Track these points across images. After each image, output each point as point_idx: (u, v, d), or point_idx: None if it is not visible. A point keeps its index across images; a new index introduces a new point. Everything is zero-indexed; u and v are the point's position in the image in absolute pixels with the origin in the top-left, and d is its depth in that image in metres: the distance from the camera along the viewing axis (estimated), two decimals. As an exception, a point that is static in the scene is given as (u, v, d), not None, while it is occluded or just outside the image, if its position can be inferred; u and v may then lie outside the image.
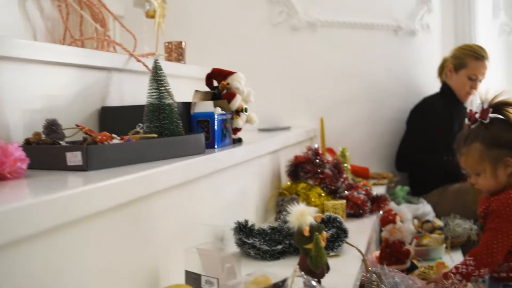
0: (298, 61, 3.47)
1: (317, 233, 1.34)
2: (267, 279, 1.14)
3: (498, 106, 1.97)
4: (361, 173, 3.33)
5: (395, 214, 2.26)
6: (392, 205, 3.19)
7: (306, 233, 1.33)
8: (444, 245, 2.83)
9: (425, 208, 3.36)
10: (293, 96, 3.43)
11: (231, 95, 1.97)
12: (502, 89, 2.03)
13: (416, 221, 3.22)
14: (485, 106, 1.96)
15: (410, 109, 3.76)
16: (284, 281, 1.16)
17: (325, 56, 3.54)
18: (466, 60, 3.55)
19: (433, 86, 3.81)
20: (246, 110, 2.04)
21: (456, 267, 1.95)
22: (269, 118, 3.19)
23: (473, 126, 2.01)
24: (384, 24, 3.75)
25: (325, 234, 1.38)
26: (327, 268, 1.42)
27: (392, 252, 2.22)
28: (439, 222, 3.15)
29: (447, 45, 4.06)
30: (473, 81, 3.55)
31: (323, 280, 1.42)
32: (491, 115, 1.97)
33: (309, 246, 1.34)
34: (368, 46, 3.73)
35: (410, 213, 3.21)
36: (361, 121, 3.69)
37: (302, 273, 1.27)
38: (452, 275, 1.91)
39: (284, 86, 3.42)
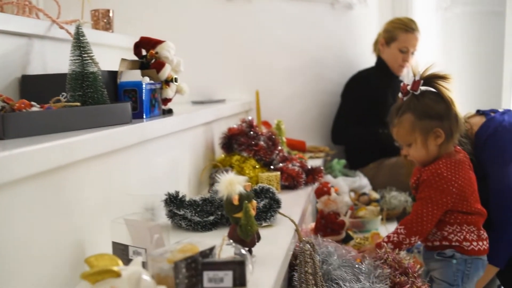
0: (234, 33, 3.41)
1: (246, 201, 1.30)
2: (194, 247, 1.10)
3: (429, 79, 1.98)
4: (298, 146, 3.32)
5: (330, 186, 2.25)
6: (328, 178, 3.19)
7: (235, 202, 1.30)
8: (380, 217, 2.85)
9: (361, 181, 3.37)
10: (228, 68, 3.38)
11: (160, 65, 1.90)
12: (432, 62, 2.04)
13: (352, 194, 3.23)
14: (417, 78, 1.97)
15: (345, 82, 3.76)
16: (211, 249, 1.13)
17: (261, 29, 3.49)
18: (396, 33, 3.57)
19: (370, 60, 3.82)
20: (176, 80, 1.98)
21: (388, 236, 1.96)
22: (203, 91, 3.15)
23: (405, 98, 2.01)
24: (321, -4, 3.74)
25: (254, 203, 1.35)
26: (257, 237, 1.39)
27: (327, 223, 2.22)
28: (375, 195, 3.18)
29: (384, 19, 4.06)
30: (405, 53, 3.57)
31: (254, 250, 1.39)
32: (422, 87, 1.98)
33: (239, 215, 1.31)
34: (305, 19, 3.70)
35: (347, 186, 3.22)
36: (298, 95, 3.68)
37: (231, 241, 1.24)
38: (384, 244, 1.91)
39: (219, 58, 3.35)
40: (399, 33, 3.56)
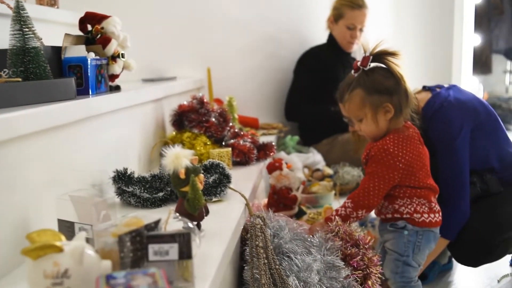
0: (185, 9, 3.36)
1: (193, 175, 1.29)
2: (140, 221, 1.08)
3: (379, 55, 1.98)
4: (251, 123, 3.31)
5: (283, 162, 2.25)
6: (282, 154, 3.20)
7: (182, 176, 1.29)
8: (333, 192, 2.87)
9: (315, 157, 3.39)
10: (179, 46, 3.34)
11: (106, 40, 1.87)
12: (382, 39, 2.05)
13: (306, 170, 3.24)
14: (366, 54, 1.98)
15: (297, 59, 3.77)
16: (157, 223, 1.11)
17: (213, 5, 3.45)
18: (343, 10, 3.59)
19: (324, 36, 3.82)
20: (123, 55, 1.95)
21: (336, 210, 1.97)
22: (154, 69, 3.11)
23: (356, 75, 2.02)
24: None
25: (201, 176, 1.34)
26: (206, 211, 1.38)
27: (279, 199, 2.22)
28: (328, 170, 3.20)
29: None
30: (352, 30, 3.60)
31: (204, 224, 1.38)
32: (373, 63, 1.99)
33: (185, 189, 1.30)
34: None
35: (300, 162, 3.24)
36: (251, 72, 3.67)
37: (177, 215, 1.22)
38: (333, 218, 1.92)
39: (169, 35, 3.31)
40: (346, 10, 3.58)
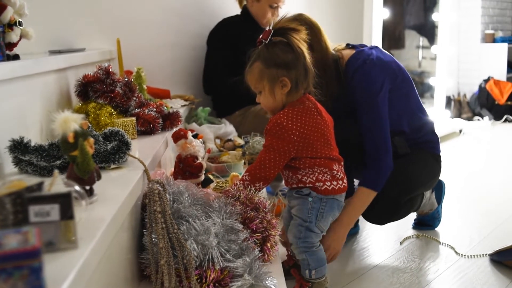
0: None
1: (81, 139, 1.29)
2: (22, 183, 1.08)
3: (281, 29, 2.01)
4: (162, 94, 3.31)
5: (187, 130, 2.27)
6: (193, 125, 3.22)
7: (71, 140, 1.29)
8: (243, 161, 2.90)
9: (227, 128, 3.42)
10: (88, 16, 3.26)
11: (1, 7, 1.83)
12: (285, 12, 2.08)
13: (218, 141, 3.28)
14: (268, 28, 2.01)
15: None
16: (39, 185, 1.11)
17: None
18: None
19: (234, 10, 3.84)
20: (20, 23, 1.92)
21: (234, 184, 2.00)
22: (62, 40, 3.04)
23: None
24: None
25: (91, 140, 1.34)
26: (98, 176, 1.39)
27: (185, 167, 2.24)
28: (239, 140, 3.23)
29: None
30: (274, 8, 3.64)
31: (98, 189, 1.39)
32: (276, 38, 2.01)
33: (75, 153, 1.30)
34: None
35: (212, 133, 3.26)
36: (162, 45, 3.66)
37: (64, 177, 1.23)
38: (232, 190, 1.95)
39: (77, 6, 3.23)
40: None
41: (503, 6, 7.56)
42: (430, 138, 2.66)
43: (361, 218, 2.83)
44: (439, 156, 2.69)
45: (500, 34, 7.12)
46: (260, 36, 2.03)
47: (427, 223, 2.95)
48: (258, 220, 1.83)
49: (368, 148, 2.41)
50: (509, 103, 6.52)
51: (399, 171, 2.46)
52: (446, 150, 4.82)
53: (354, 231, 2.90)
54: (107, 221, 1.23)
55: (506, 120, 6.48)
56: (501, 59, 6.86)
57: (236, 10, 3.82)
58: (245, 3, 3.77)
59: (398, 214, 2.58)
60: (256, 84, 2.04)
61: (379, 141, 2.40)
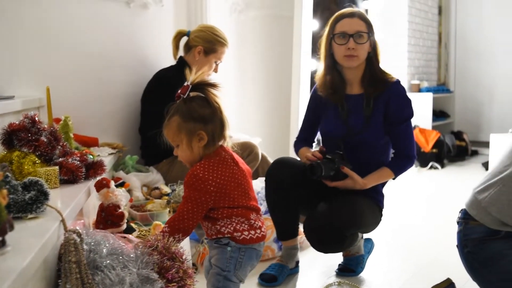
0: (20, 27, 3.27)
1: (-5, 191, 1.33)
2: None
3: (199, 85, 2.11)
4: (90, 142, 3.33)
5: (110, 179, 2.31)
6: (121, 173, 3.24)
7: (-15, 192, 1.32)
8: (168, 210, 2.95)
9: (154, 176, 3.46)
10: (17, 64, 3.25)
11: None
12: (203, 70, 2.17)
13: (145, 189, 3.31)
14: (186, 84, 2.09)
15: (147, 81, 3.83)
16: None
17: (52, 25, 3.41)
18: (217, 46, 3.77)
19: (167, 59, 3.91)
20: None
21: (156, 235, 2.04)
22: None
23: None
24: (115, -5, 3.76)
25: (4, 191, 1.37)
26: (10, 227, 1.41)
27: (107, 216, 2.27)
28: (166, 189, 3.28)
29: (180, 20, 4.20)
30: (217, 64, 3.81)
31: (11, 240, 1.41)
32: (194, 93, 2.11)
33: (-12, 204, 1.33)
34: (100, 18, 3.70)
35: (139, 181, 3.30)
36: (92, 93, 3.66)
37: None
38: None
39: (6, 53, 3.22)
40: (219, 47, 3.78)
41: (428, 57, 7.91)
42: (381, 190, 2.98)
43: (305, 263, 3.03)
44: (382, 210, 2.97)
45: (425, 84, 7.44)
46: (179, 91, 2.11)
47: (350, 268, 3.06)
48: (174, 270, 1.87)
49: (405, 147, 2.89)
50: (434, 150, 6.80)
51: (353, 208, 2.71)
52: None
53: (295, 271, 3.07)
54: (17, 271, 1.25)
55: (431, 167, 6.76)
56: (427, 108, 7.20)
57: (170, 60, 3.89)
58: (181, 54, 3.85)
59: (342, 245, 2.74)
60: (174, 137, 2.12)
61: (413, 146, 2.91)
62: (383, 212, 2.97)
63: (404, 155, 2.91)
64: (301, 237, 3.22)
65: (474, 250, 2.23)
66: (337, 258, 3.16)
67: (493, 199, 2.18)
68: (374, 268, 3.18)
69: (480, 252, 2.21)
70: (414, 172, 6.51)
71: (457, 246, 2.34)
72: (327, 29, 2.91)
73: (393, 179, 2.93)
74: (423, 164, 6.79)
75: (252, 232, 2.10)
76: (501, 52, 7.72)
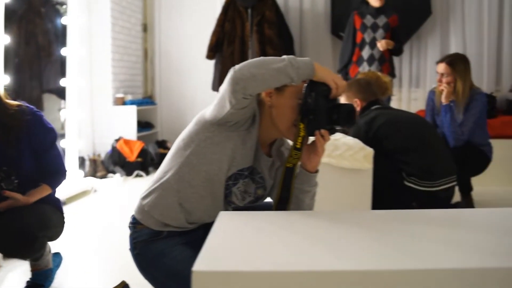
0: None
1: None
2: None
3: None
4: None
5: None
6: None
7: None
8: None
9: None
10: None
11: None
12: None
13: None
14: None
15: None
16: None
17: None
18: None
19: None
20: None
21: None
22: None
23: None
24: None
25: None
26: None
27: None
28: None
29: None
30: None
31: None
32: None
33: None
34: None
35: None
36: None
37: None
38: None
39: None
40: None
41: (134, 72, 8.33)
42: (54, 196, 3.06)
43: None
44: (63, 213, 3.06)
45: (130, 97, 7.79)
46: None
47: (40, 283, 3.06)
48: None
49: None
50: (139, 159, 7.20)
51: (36, 211, 2.76)
52: (79, 208, 5.28)
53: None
54: None
55: (137, 175, 7.15)
56: (131, 120, 7.59)
57: None
58: None
59: (33, 247, 2.77)
60: None
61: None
62: (64, 215, 3.05)
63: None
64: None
65: (142, 252, 2.45)
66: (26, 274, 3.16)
67: (154, 203, 2.44)
68: (63, 282, 3.25)
69: (147, 253, 2.44)
70: (120, 182, 6.82)
71: (129, 249, 2.52)
72: None
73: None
74: (129, 173, 7.12)
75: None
76: (200, 66, 8.36)
